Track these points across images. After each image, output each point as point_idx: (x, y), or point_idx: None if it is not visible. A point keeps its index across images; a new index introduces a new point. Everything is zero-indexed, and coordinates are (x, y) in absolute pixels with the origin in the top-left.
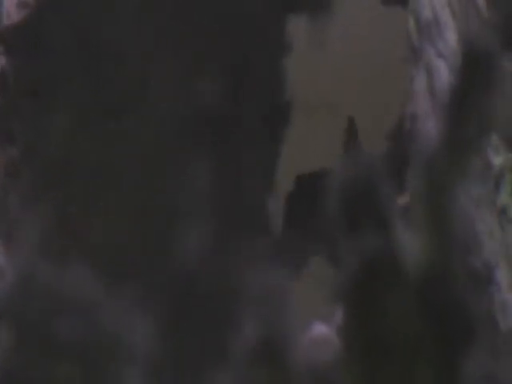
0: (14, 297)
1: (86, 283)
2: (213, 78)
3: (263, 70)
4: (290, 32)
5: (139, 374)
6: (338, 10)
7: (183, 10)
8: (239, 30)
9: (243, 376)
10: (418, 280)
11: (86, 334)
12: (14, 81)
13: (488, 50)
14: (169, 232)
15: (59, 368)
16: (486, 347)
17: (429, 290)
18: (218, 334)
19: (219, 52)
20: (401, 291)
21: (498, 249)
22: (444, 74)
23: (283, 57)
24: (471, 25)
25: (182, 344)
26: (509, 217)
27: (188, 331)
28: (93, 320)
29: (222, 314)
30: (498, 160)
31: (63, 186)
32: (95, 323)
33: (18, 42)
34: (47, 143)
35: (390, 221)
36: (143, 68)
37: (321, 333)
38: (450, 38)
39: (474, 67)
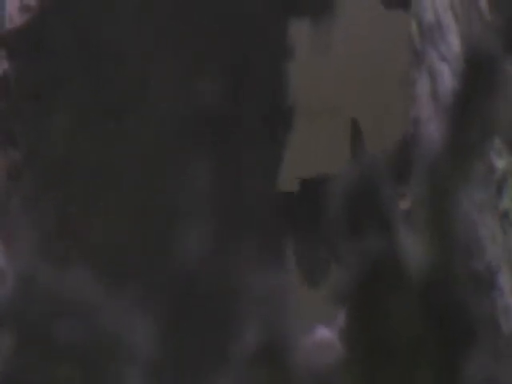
0: (15, 300)
1: (86, 285)
2: (213, 78)
3: (263, 70)
4: (293, 36)
5: (139, 374)
6: (340, 14)
7: (183, 10)
8: (239, 30)
9: (243, 377)
10: (420, 283)
11: (86, 336)
12: (16, 84)
13: (491, 54)
14: (169, 232)
15: (60, 369)
16: (487, 350)
17: (431, 293)
18: (219, 335)
19: (219, 52)
20: (403, 294)
21: (500, 253)
22: (447, 77)
23: (284, 58)
24: (474, 28)
25: (182, 344)
26: (511, 221)
27: (188, 332)
28: (93, 321)
29: (223, 314)
30: (500, 164)
31: (64, 187)
32: (95, 324)
33: (20, 46)
34: (49, 145)
35: (393, 224)
36: (143, 68)
37: (323, 336)
38: (453, 41)
39: (477, 71)
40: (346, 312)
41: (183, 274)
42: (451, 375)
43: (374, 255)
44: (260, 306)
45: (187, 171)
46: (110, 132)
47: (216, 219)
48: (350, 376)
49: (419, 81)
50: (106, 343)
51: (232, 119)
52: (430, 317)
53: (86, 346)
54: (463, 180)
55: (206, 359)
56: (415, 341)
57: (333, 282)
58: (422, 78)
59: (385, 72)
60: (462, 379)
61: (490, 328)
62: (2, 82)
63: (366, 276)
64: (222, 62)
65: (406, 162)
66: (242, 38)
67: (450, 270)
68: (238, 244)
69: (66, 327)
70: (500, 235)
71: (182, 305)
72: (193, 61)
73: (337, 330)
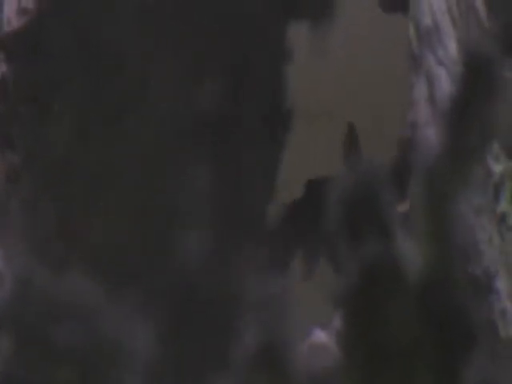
0: (13, 303)
1: (85, 288)
2: (213, 79)
3: (263, 71)
4: (292, 39)
5: (139, 379)
6: (339, 17)
7: (183, 11)
8: (239, 30)
9: (243, 382)
10: (418, 287)
11: (85, 340)
12: (14, 87)
13: (489, 59)
14: (169, 233)
15: (59, 374)
16: (486, 354)
17: (429, 298)
18: (219, 340)
19: (219, 53)
20: (401, 298)
21: (497, 257)
22: (444, 82)
23: (284, 60)
24: (472, 32)
25: (183, 350)
26: (508, 225)
27: (188, 337)
28: (93, 326)
29: (223, 318)
30: (498, 168)
31: (63, 189)
32: (95, 329)
33: (18, 49)
34: (47, 147)
35: (391, 228)
36: (143, 69)
37: (319, 339)
38: (450, 45)
39: (476, 76)
40: (344, 316)
41: (183, 277)
42: (450, 379)
43: (371, 259)
44: (260, 312)
45: (187, 172)
46: (109, 133)
47: (216, 220)
48: (347, 380)
49: (417, 85)
50: (106, 348)
51: (232, 120)
52: (428, 321)
53: (86, 349)
54: (462, 184)
55: (206, 364)
56: (413, 345)
57: (331, 285)
58: (420, 83)
59: (383, 75)
60: (461, 383)
61: (487, 332)
62: (0, 84)
63: (363, 280)
64: (222, 62)
65: (403, 165)
66: (242, 39)
67: (447, 274)
68: (238, 248)
69: (64, 330)
70: (497, 239)
71: (182, 309)
72: (193, 61)
73: (333, 333)
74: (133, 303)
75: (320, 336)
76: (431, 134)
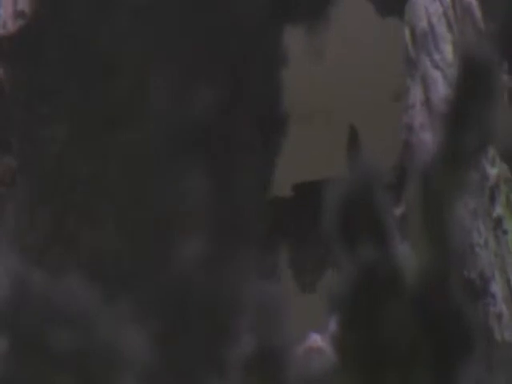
0: (8, 307)
1: (80, 292)
2: (208, 85)
3: (259, 76)
4: (288, 42)
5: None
6: (334, 20)
7: (179, 21)
8: (235, 36)
9: None
10: (414, 290)
11: (81, 345)
12: (10, 91)
13: (485, 62)
14: (164, 240)
15: (54, 378)
16: (481, 357)
17: (425, 301)
18: (215, 344)
19: (214, 59)
20: (397, 302)
21: (493, 260)
22: (440, 85)
23: (280, 64)
24: (468, 36)
25: (178, 354)
26: (503, 228)
27: (184, 341)
28: (88, 331)
29: (219, 323)
30: (493, 171)
31: (59, 194)
32: (91, 334)
33: (14, 52)
34: (43, 153)
35: (388, 231)
36: (139, 80)
37: (314, 343)
38: (446, 49)
39: (472, 79)
40: (340, 319)
41: (179, 283)
42: (445, 381)
43: (368, 262)
44: (255, 315)
45: (181, 178)
46: (104, 139)
47: (211, 226)
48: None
49: (412, 88)
50: (102, 353)
51: (226, 125)
52: (424, 324)
53: (81, 353)
54: (458, 188)
55: (202, 368)
56: (409, 348)
57: (327, 289)
58: (416, 86)
59: (379, 79)
60: None
61: (483, 335)
62: None
63: (360, 283)
64: (217, 68)
65: (400, 168)
66: (237, 45)
67: (444, 277)
68: (233, 252)
69: (59, 334)
70: (493, 242)
71: (178, 314)
72: (188, 68)
73: (329, 337)
74: (129, 308)
75: (316, 340)
76: (427, 138)
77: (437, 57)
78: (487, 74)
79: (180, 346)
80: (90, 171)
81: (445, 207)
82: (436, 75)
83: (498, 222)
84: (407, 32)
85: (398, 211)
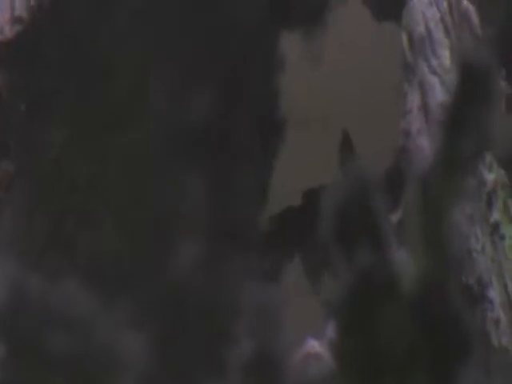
0: (6, 311)
1: (77, 297)
2: (206, 91)
3: (256, 81)
4: (285, 47)
5: None
6: (331, 26)
7: (178, 25)
8: (232, 41)
9: None
10: (412, 296)
11: (79, 348)
12: (8, 96)
13: (483, 68)
14: (163, 244)
15: (52, 382)
16: (478, 362)
17: (423, 306)
18: (213, 348)
19: (212, 63)
20: (395, 307)
21: (490, 266)
22: (438, 91)
23: (277, 70)
24: (465, 42)
25: (177, 357)
26: (501, 233)
27: (183, 345)
28: (86, 334)
29: (217, 327)
30: (490, 177)
31: (57, 198)
32: (88, 338)
33: (12, 58)
34: (41, 157)
35: (385, 236)
36: (138, 81)
37: (312, 349)
38: (444, 54)
39: (469, 84)
40: (338, 325)
41: (178, 286)
42: None
43: (365, 268)
44: (254, 319)
45: (180, 182)
46: (103, 141)
47: (209, 230)
48: None
49: (410, 93)
50: (99, 357)
51: (224, 130)
52: (422, 329)
53: (79, 356)
54: (455, 193)
55: (200, 371)
56: (407, 353)
57: (325, 294)
58: (413, 91)
59: (376, 84)
60: None
61: (480, 340)
62: None
63: (358, 288)
64: (215, 73)
65: (397, 173)
66: (235, 50)
67: (441, 282)
68: (231, 256)
69: (57, 338)
70: (490, 247)
71: (177, 317)
72: (186, 72)
73: (326, 343)
74: (127, 311)
75: (314, 345)
76: (424, 143)
77: (434, 62)
78: (484, 79)
79: (178, 348)
80: (89, 172)
81: (442, 213)
82: (433, 81)
83: (495, 228)
84: (405, 37)
85: (395, 217)
